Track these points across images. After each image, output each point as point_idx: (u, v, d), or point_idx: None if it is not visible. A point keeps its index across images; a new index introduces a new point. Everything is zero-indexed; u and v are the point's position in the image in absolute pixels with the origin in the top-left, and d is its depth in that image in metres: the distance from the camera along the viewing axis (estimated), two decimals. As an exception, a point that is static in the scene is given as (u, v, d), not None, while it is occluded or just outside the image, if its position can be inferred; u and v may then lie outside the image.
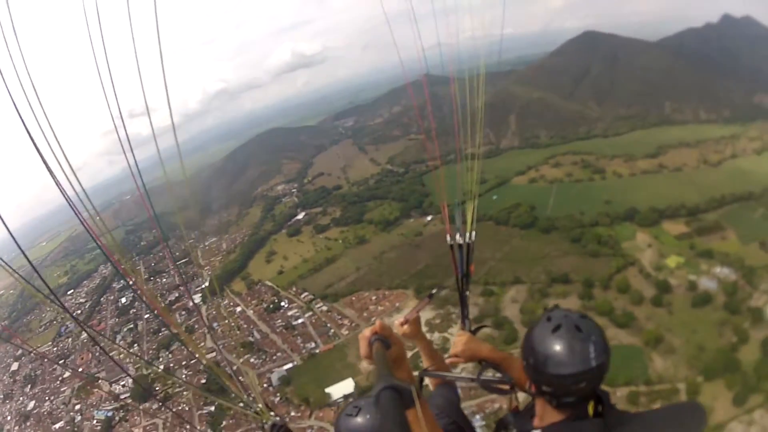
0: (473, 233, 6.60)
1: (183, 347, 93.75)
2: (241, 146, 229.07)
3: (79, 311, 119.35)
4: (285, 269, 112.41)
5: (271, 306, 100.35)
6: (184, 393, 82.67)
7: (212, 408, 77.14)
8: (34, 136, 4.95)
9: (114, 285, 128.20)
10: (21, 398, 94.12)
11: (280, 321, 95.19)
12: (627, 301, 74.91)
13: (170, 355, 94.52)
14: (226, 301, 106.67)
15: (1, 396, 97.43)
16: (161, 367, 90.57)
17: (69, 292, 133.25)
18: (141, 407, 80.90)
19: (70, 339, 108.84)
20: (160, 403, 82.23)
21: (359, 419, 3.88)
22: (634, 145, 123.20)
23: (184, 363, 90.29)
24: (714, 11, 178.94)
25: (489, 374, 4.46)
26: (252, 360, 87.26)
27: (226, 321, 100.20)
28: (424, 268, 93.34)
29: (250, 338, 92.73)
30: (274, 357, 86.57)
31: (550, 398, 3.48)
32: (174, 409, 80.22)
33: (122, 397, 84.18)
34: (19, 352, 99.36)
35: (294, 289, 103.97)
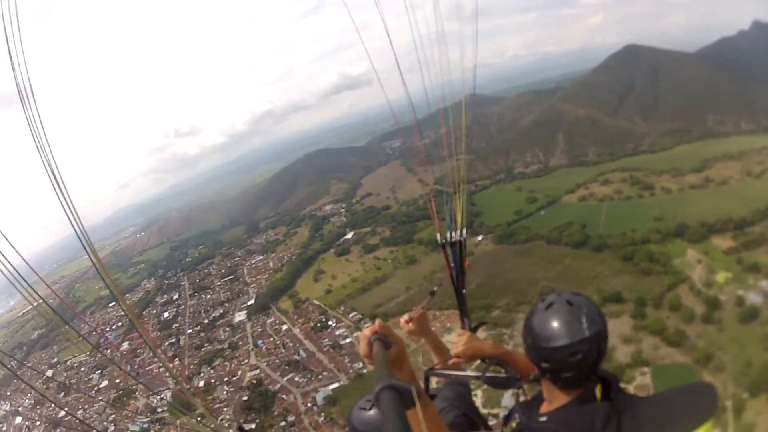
0: (464, 230, 6.39)
1: (226, 363, 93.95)
2: (288, 166, 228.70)
3: (120, 323, 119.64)
4: (333, 288, 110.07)
5: (319, 325, 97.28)
6: (224, 409, 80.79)
7: (253, 426, 75.36)
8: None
9: (157, 299, 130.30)
10: (52, 405, 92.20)
11: (327, 340, 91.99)
12: (679, 319, 73.16)
13: (212, 371, 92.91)
14: (272, 319, 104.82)
15: (33, 401, 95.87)
16: (201, 383, 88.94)
17: (111, 305, 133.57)
18: (178, 422, 78.62)
19: (109, 350, 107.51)
20: (199, 419, 78.85)
21: (372, 412, 3.87)
22: (681, 159, 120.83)
23: (225, 379, 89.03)
24: (745, 17, 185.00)
25: (494, 371, 4.50)
26: (297, 379, 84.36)
27: (272, 338, 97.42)
28: (476, 288, 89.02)
29: (296, 357, 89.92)
30: (320, 376, 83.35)
31: (552, 376, 3.49)
32: (212, 425, 77.34)
33: (159, 410, 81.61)
34: (55, 359, 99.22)
35: (342, 308, 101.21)
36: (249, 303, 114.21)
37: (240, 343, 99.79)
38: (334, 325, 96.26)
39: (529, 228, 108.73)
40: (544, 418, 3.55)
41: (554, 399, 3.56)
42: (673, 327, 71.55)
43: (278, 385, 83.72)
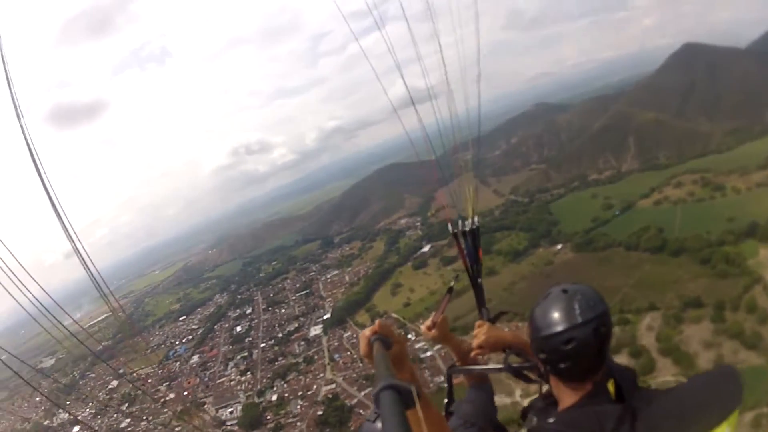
0: (476, 218, 6.12)
1: (300, 377, 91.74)
2: (359, 182, 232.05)
3: (190, 337, 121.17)
4: (411, 301, 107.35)
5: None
6: (298, 424, 78.30)
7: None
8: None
9: (229, 314, 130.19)
10: (116, 415, 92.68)
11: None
12: (755, 321, 71.41)
13: (285, 385, 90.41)
14: (349, 333, 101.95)
15: (94, 411, 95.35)
16: (274, 396, 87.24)
17: (181, 318, 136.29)
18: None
19: (178, 363, 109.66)
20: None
21: (379, 424, 3.76)
22: (746, 157, 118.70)
23: (300, 393, 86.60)
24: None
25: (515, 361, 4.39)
26: (375, 393, 79.53)
27: (348, 352, 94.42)
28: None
29: (374, 371, 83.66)
30: (399, 391, 78.00)
31: (551, 368, 3.37)
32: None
33: (228, 424, 78.52)
34: (121, 370, 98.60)
35: (421, 321, 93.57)
36: (325, 317, 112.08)
37: (315, 357, 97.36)
38: (413, 338, 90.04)
39: (607, 235, 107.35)
40: (552, 419, 3.29)
41: (563, 396, 3.35)
42: (750, 329, 70.17)
43: (355, 400, 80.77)
